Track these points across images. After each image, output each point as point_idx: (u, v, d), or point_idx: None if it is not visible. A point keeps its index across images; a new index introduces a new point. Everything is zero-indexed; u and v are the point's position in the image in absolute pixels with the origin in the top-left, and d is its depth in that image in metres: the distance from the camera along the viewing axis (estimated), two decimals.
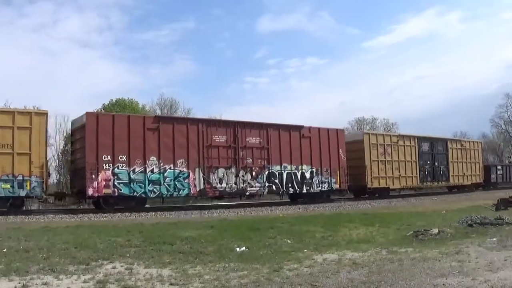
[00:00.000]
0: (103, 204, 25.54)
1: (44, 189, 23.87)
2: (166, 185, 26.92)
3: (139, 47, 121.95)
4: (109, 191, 24.98)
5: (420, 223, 19.21)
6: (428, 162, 43.92)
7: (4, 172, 22.52)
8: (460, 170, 47.86)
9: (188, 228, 17.31)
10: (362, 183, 37.25)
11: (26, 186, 23.02)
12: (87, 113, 25.49)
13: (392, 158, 39.61)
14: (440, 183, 45.67)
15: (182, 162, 27.55)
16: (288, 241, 15.30)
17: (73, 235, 15.23)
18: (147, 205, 28.10)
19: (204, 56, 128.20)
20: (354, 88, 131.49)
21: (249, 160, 30.26)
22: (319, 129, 34.48)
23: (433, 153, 44.61)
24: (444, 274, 9.86)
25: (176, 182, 27.30)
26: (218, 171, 28.95)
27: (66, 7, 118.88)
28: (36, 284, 8.96)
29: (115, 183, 25.10)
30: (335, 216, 22.83)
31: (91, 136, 24.69)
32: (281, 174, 31.67)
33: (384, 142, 39.52)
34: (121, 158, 25.32)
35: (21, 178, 22.97)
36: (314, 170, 33.22)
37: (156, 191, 26.65)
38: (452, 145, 47.31)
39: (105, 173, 24.78)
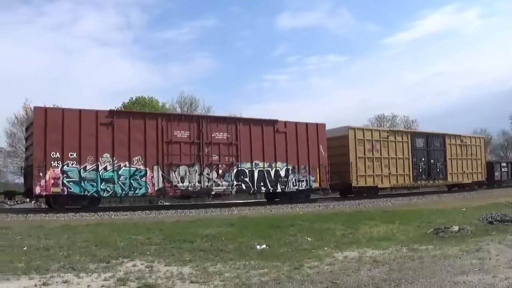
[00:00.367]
0: (53, 203, 24.82)
1: None
2: (121, 184, 25.47)
3: (159, 46, 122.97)
4: (58, 189, 23.88)
5: (441, 221, 19.07)
6: (423, 159, 41.45)
7: None
8: (460, 167, 45.10)
9: (208, 226, 17.29)
10: (347, 182, 34.97)
11: None
12: (34, 108, 24.93)
13: (381, 155, 37.23)
14: (436, 181, 43.12)
15: (139, 159, 26.09)
16: (308, 238, 15.24)
17: (93, 233, 15.28)
18: (166, 203, 27.95)
19: (223, 54, 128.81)
20: (373, 85, 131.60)
21: (215, 157, 28.53)
22: (296, 123, 32.32)
23: (428, 150, 42.00)
24: (464, 272, 9.77)
25: (132, 181, 25.78)
26: (179, 169, 27.37)
27: (85, 6, 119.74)
28: (57, 282, 8.97)
29: (65, 182, 23.91)
30: (355, 213, 22.73)
31: (39, 132, 23.74)
32: (251, 172, 29.72)
33: (372, 137, 36.94)
34: (71, 155, 24.16)
35: None
36: (290, 167, 31.18)
37: (109, 190, 25.23)
38: (450, 141, 44.59)
39: (53, 171, 23.72)
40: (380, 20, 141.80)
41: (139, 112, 28.00)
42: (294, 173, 31.30)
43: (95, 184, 24.71)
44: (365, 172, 35.75)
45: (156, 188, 26.50)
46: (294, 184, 31.38)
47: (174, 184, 27.01)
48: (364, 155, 35.86)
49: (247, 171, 29.52)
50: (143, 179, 26.06)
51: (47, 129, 23.74)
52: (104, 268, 10.31)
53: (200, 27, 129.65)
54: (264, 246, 13.70)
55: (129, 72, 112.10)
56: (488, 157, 60.81)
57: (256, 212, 25.00)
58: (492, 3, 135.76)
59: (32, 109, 25.38)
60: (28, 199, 27.08)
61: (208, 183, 28.11)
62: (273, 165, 30.49)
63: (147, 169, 26.15)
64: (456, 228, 16.35)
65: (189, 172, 27.57)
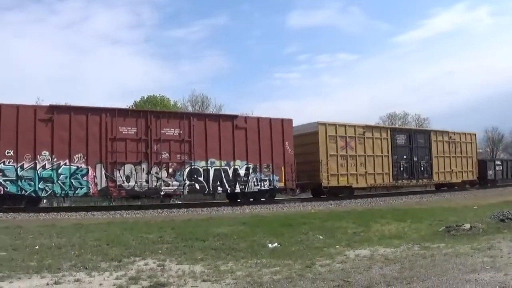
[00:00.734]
0: None
1: None
2: (60, 183, 24.05)
3: (170, 44, 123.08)
4: None
5: (452, 219, 19.00)
6: (405, 157, 39.03)
7: None
8: (447, 165, 42.90)
9: (220, 225, 17.31)
10: (317, 181, 32.88)
11: None
12: None
13: (356, 153, 35.09)
14: (420, 180, 40.66)
15: (81, 157, 24.58)
16: (320, 237, 15.22)
17: (105, 232, 15.32)
18: (178, 202, 27.84)
19: (234, 52, 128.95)
20: (384, 84, 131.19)
21: (165, 155, 26.82)
22: (258, 118, 30.76)
23: (411, 147, 39.57)
24: (476, 270, 9.74)
25: (72, 180, 24.27)
26: (124, 167, 25.71)
27: (96, 4, 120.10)
28: (68, 281, 8.98)
29: (1, 181, 22.92)
30: (367, 212, 22.69)
31: None
32: (206, 171, 27.93)
33: (346, 133, 34.67)
34: (7, 153, 23.06)
35: None
36: (251, 166, 29.37)
37: (48, 189, 23.83)
38: (436, 138, 42.31)
39: None
40: (391, 18, 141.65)
41: (81, 107, 25.53)
42: (255, 172, 29.64)
43: (33, 183, 23.58)
44: (338, 171, 33.81)
45: (98, 188, 25.05)
46: (256, 184, 29.70)
47: (118, 183, 25.46)
48: (337, 152, 33.90)
49: (201, 170, 27.89)
50: (85, 178, 24.69)
51: None
52: (115, 267, 10.32)
53: (211, 26, 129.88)
54: (276, 244, 13.68)
55: (141, 70, 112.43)
56: (489, 154, 60.39)
57: (268, 211, 25.00)
58: (503, 1, 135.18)
59: None
60: None
61: (157, 182, 26.53)
62: (232, 163, 28.88)
63: (89, 167, 24.78)
64: (467, 226, 16.28)
65: (135, 171, 26.03)
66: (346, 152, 34.36)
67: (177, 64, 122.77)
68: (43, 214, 22.26)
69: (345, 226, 17.43)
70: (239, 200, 29.89)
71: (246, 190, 29.36)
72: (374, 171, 36.21)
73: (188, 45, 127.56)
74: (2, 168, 22.98)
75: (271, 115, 31.14)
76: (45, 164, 23.81)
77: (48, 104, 25.65)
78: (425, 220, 18.96)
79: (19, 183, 23.27)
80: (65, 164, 24.22)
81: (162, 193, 26.94)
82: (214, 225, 17.18)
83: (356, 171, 34.95)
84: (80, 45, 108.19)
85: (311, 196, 35.03)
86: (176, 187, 27.11)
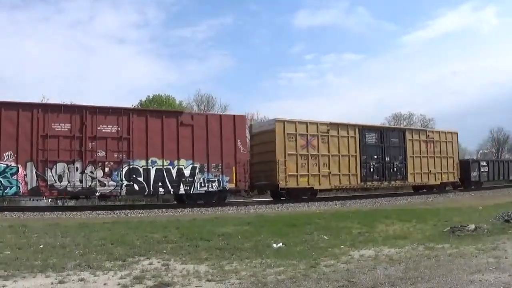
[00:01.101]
0: None
1: None
2: None
3: (176, 43, 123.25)
4: None
5: (457, 219, 18.99)
6: (376, 157, 36.35)
7: None
8: (424, 166, 40.01)
9: (224, 224, 17.32)
10: (274, 182, 30.78)
11: None
12: None
13: (319, 152, 32.59)
14: (393, 182, 37.95)
15: (10, 155, 23.29)
16: (324, 237, 15.21)
17: (109, 231, 15.34)
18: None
19: (240, 52, 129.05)
20: (391, 84, 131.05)
21: (101, 153, 25.12)
22: (207, 115, 29.82)
23: (383, 146, 36.88)
24: (480, 270, 9.71)
25: (1, 179, 23.09)
26: (56, 166, 24.17)
27: (102, 3, 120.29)
28: (73, 280, 8.99)
29: None
30: (372, 212, 22.68)
31: None
32: (147, 171, 26.20)
33: (307, 131, 32.20)
34: None
35: None
36: (197, 166, 27.55)
37: None
38: (412, 136, 39.54)
39: None
40: (397, 18, 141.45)
41: (11, 102, 24.04)
42: (202, 172, 27.77)
43: None
44: (297, 172, 31.43)
45: (29, 188, 23.63)
46: (203, 185, 27.83)
47: (50, 183, 23.98)
48: (296, 151, 31.49)
49: (141, 169, 26.16)
50: (14, 177, 23.38)
51: None
52: (120, 266, 10.32)
53: (218, 25, 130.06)
54: (280, 244, 13.67)
55: (146, 69, 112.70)
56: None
57: (273, 211, 25.01)
58: (509, 2, 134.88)
59: None
60: None
61: (91, 182, 24.88)
62: (175, 162, 27.06)
63: (19, 166, 23.46)
64: (472, 226, 16.24)
65: (68, 170, 24.44)
66: (307, 151, 32.11)
67: (183, 64, 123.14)
68: (48, 213, 22.31)
69: (349, 226, 17.42)
70: (186, 202, 27.97)
71: (191, 192, 27.65)
72: (340, 171, 33.86)
73: (194, 44, 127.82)
74: None
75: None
76: None
77: None
78: (430, 221, 18.94)
79: None
80: None
81: (98, 193, 25.43)
82: (219, 225, 17.19)
83: (319, 171, 32.61)
84: (87, 44, 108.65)
85: (271, 199, 33.26)
86: (112, 188, 25.49)
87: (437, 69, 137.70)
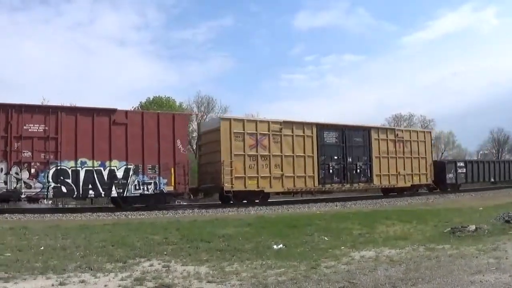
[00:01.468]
0: None
1: None
2: None
3: (176, 45, 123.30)
4: None
5: (457, 220, 19.03)
6: (336, 157, 33.81)
7: None
8: (393, 167, 37.21)
9: (225, 226, 17.33)
10: (219, 185, 28.77)
11: None
12: None
13: (270, 152, 30.31)
14: (356, 185, 35.16)
15: None
16: (325, 238, 15.23)
17: (110, 233, 15.36)
18: (184, 203, 27.65)
19: (241, 53, 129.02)
20: (391, 85, 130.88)
21: (27, 154, 23.53)
22: (142, 113, 28.09)
23: (344, 146, 34.33)
24: (481, 271, 9.73)
25: None
26: None
27: (102, 5, 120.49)
28: (74, 282, 9.00)
29: None
30: (372, 213, 22.67)
31: None
32: (76, 172, 24.40)
33: (256, 130, 30.02)
34: None
35: None
36: (131, 167, 25.72)
37: None
38: (378, 136, 36.72)
39: None
40: (397, 19, 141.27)
41: None
42: (137, 174, 25.95)
43: None
44: (245, 173, 29.32)
45: None
46: (137, 187, 25.98)
47: None
48: (244, 152, 29.36)
49: (69, 170, 24.37)
50: None
51: None
52: (121, 268, 10.34)
53: (218, 27, 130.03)
54: (281, 245, 13.69)
55: (147, 71, 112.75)
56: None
57: (273, 212, 25.00)
58: (510, 2, 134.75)
59: None
60: None
61: (17, 184, 23.30)
62: (107, 163, 25.23)
63: None
64: (473, 227, 16.26)
65: None
66: (257, 152, 29.89)
67: (183, 65, 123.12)
68: (48, 215, 22.34)
69: (350, 227, 17.45)
70: (138, 205, 26.60)
71: (125, 195, 25.76)
72: (294, 173, 31.44)
73: (194, 46, 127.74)
74: None
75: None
76: None
77: None
78: (430, 221, 18.97)
79: None
80: None
81: (23, 196, 23.69)
82: (219, 226, 17.20)
83: (270, 173, 30.35)
84: (87, 45, 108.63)
85: (219, 202, 31.15)
86: (39, 190, 23.78)
87: (437, 70, 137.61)
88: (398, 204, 29.99)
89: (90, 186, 24.66)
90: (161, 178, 26.46)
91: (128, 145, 25.68)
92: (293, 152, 31.51)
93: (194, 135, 52.24)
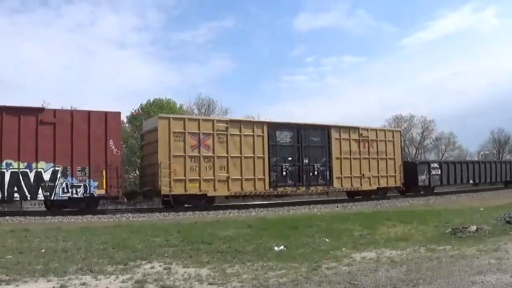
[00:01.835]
0: None
1: None
2: None
3: (176, 46, 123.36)
4: None
5: (458, 220, 19.03)
6: (290, 158, 31.55)
7: None
8: (356, 169, 34.72)
9: (226, 228, 17.34)
10: (157, 188, 27.19)
11: None
12: None
13: (214, 153, 28.55)
14: (313, 188, 32.80)
15: None
16: (326, 239, 15.23)
17: (111, 235, 15.36)
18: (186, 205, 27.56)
19: (241, 54, 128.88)
20: (392, 86, 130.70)
21: None
22: (72, 112, 26.15)
23: (300, 146, 31.99)
24: (482, 272, 9.72)
25: None
26: None
27: (102, 7, 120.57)
28: (74, 284, 9.00)
29: None
30: (373, 214, 22.66)
31: None
32: (1, 174, 23.10)
33: (199, 129, 28.32)
34: None
35: None
36: (59, 169, 24.18)
37: None
38: (340, 135, 34.27)
39: None
40: (398, 20, 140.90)
41: None
42: (65, 177, 24.38)
43: None
44: (185, 176, 27.57)
45: None
46: (66, 190, 24.37)
47: None
48: (185, 153, 27.66)
49: None
50: None
51: None
52: (122, 270, 10.34)
53: (218, 28, 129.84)
54: (282, 247, 13.69)
55: (147, 73, 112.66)
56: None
57: (274, 213, 24.99)
58: (510, 3, 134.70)
59: None
60: None
61: None
62: (33, 165, 23.75)
63: None
64: (474, 228, 16.26)
65: None
66: (199, 153, 28.18)
67: (184, 67, 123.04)
68: (49, 217, 22.29)
69: (351, 229, 17.47)
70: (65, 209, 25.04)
71: (52, 198, 24.27)
72: (242, 176, 29.53)
73: (195, 47, 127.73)
74: None
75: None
76: None
77: None
78: (431, 222, 18.98)
79: None
80: None
81: None
82: (220, 228, 17.21)
83: (214, 176, 28.50)
84: (87, 47, 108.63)
85: (162, 206, 29.27)
86: None
87: (438, 70, 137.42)
88: (398, 205, 29.98)
89: (15, 189, 23.31)
90: (91, 180, 24.97)
91: (56, 145, 24.28)
92: (240, 153, 29.69)
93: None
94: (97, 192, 25.05)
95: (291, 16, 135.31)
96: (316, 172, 32.62)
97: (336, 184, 33.58)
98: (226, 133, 29.20)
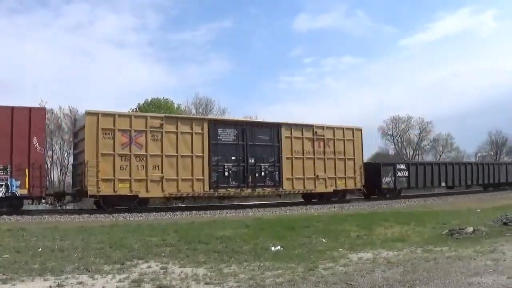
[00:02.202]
0: None
1: None
2: None
3: (175, 47, 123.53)
4: None
5: (455, 222, 19.07)
6: (234, 158, 29.37)
7: None
8: (309, 170, 32.24)
9: (223, 228, 17.35)
10: (84, 188, 25.24)
11: None
12: None
13: (147, 152, 26.57)
14: (260, 190, 30.37)
15: None
16: (323, 240, 15.23)
17: (108, 235, 15.35)
18: (181, 205, 27.40)
19: (240, 55, 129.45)
20: (390, 87, 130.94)
21: None
22: None
23: (244, 145, 29.79)
24: (479, 273, 9.76)
25: None
26: None
27: (101, 8, 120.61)
28: (71, 283, 9.00)
29: None
30: (370, 215, 22.66)
31: None
32: None
33: (131, 126, 26.35)
34: None
35: None
36: None
37: None
38: (291, 133, 31.88)
39: None
40: (396, 21, 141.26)
41: None
42: None
43: None
44: (115, 176, 25.60)
45: None
46: None
47: None
48: (114, 151, 25.71)
49: None
50: None
51: None
52: (118, 270, 10.34)
53: (217, 29, 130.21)
54: (279, 247, 13.70)
55: (146, 73, 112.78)
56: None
57: (271, 214, 24.97)
58: (508, 6, 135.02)
59: None
60: None
61: None
62: None
63: None
64: (470, 229, 16.30)
65: None
66: (130, 151, 26.17)
67: (182, 67, 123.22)
68: (46, 216, 22.28)
69: (348, 229, 17.48)
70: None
71: None
72: (178, 176, 27.53)
73: (193, 48, 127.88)
74: None
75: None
76: None
77: None
78: (428, 223, 19.00)
79: None
80: None
81: None
82: (217, 228, 17.21)
83: (146, 176, 26.55)
84: (86, 48, 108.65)
85: (96, 208, 27.63)
86: None
87: (437, 71, 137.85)
88: (395, 206, 29.97)
89: None
90: (13, 180, 23.48)
91: None
92: (177, 152, 27.65)
93: None
94: (20, 192, 23.65)
95: (291, 17, 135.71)
96: (263, 173, 30.50)
97: (286, 185, 31.28)
98: (161, 130, 27.26)
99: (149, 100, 55.50)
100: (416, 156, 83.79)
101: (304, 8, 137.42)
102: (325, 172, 32.79)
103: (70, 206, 28.89)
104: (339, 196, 34.09)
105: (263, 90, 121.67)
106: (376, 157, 73.80)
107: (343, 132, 34.56)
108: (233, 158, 29.40)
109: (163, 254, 12.43)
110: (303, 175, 31.87)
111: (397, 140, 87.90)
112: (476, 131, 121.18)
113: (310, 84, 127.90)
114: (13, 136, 23.34)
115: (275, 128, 31.37)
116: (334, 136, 33.77)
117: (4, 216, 21.75)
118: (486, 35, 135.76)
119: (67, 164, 50.37)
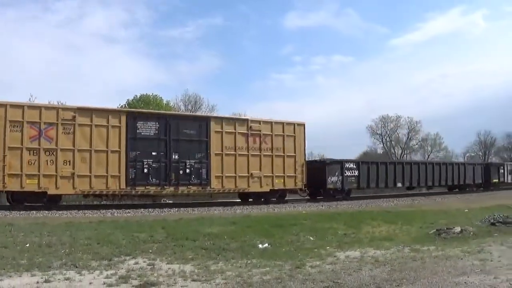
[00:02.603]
0: None
1: None
2: None
3: (165, 43, 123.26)
4: None
5: (443, 222, 19.15)
6: (155, 153, 27.21)
7: None
8: (242, 168, 29.75)
9: (211, 224, 17.34)
10: None
11: None
12: None
13: (58, 145, 24.80)
14: (184, 188, 28.22)
15: None
16: (310, 238, 15.26)
17: (95, 231, 15.31)
18: (169, 201, 27.14)
19: (230, 52, 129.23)
20: (379, 86, 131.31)
21: None
22: None
23: (167, 140, 27.63)
24: (466, 273, 9.83)
25: None
26: None
27: (91, 2, 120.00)
28: (59, 279, 8.99)
29: None
30: (357, 213, 22.69)
31: None
32: None
33: (41, 119, 24.61)
34: None
35: None
36: None
37: None
38: (222, 127, 29.50)
39: None
40: (387, 21, 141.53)
41: None
42: None
43: None
44: (22, 171, 23.99)
45: None
46: None
47: None
48: (22, 144, 24.11)
49: None
50: None
51: None
52: (106, 266, 10.34)
53: (207, 26, 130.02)
54: (266, 245, 13.71)
55: (135, 69, 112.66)
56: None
57: (259, 211, 24.95)
58: (498, 6, 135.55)
59: None
60: None
61: None
62: None
63: None
64: (458, 229, 16.38)
65: None
66: (39, 145, 24.48)
67: (172, 64, 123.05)
68: (34, 212, 22.16)
69: (335, 228, 17.50)
70: None
71: None
72: (91, 172, 25.60)
73: (183, 44, 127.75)
74: None
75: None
76: None
77: None
78: (415, 223, 19.05)
79: None
80: None
81: None
82: (205, 225, 17.19)
83: (56, 171, 24.74)
84: (76, 43, 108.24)
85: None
86: None
87: (427, 72, 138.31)
88: (383, 205, 30.01)
89: None
90: None
91: None
92: (90, 146, 25.69)
93: None
94: None
95: (281, 15, 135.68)
96: (188, 170, 28.23)
97: (215, 184, 28.95)
98: (74, 123, 25.34)
99: (138, 96, 55.43)
100: (405, 156, 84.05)
101: (294, 6, 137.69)
102: (260, 170, 30.42)
103: None
104: (276, 196, 31.49)
105: (253, 87, 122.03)
106: (364, 156, 74.00)
107: (283, 127, 31.93)
108: (153, 153, 27.38)
109: (150, 251, 12.43)
110: (235, 173, 29.59)
111: (386, 139, 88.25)
112: (465, 132, 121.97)
113: (300, 82, 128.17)
114: None
115: (203, 122, 29.42)
116: (272, 131, 31.28)
117: None
118: (476, 36, 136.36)
119: None
